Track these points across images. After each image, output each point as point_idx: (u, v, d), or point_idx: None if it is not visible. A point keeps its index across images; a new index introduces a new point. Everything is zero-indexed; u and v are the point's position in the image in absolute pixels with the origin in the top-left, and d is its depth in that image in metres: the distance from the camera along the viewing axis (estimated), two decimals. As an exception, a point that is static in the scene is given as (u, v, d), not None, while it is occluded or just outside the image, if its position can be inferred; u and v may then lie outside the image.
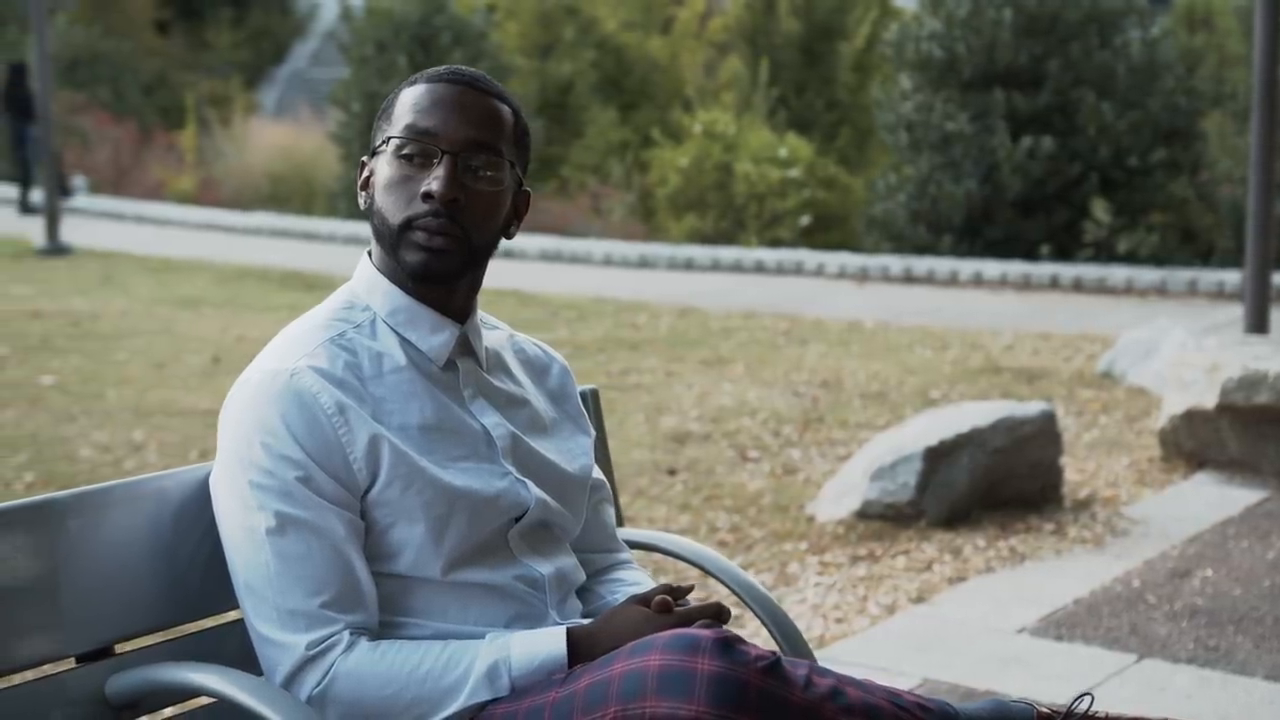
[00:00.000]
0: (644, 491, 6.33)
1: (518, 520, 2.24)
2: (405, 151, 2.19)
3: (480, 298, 2.32)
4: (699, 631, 1.93)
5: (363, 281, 2.30)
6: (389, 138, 2.22)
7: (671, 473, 6.64)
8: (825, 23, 22.28)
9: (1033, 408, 6.10)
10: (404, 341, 2.24)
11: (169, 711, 2.23)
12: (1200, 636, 4.62)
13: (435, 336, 2.25)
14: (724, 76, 21.46)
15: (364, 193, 2.28)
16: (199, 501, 2.21)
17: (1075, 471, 6.62)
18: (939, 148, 14.39)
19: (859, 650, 4.53)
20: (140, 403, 8.10)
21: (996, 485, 5.92)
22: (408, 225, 2.19)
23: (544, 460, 2.31)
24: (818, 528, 5.78)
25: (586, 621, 2.21)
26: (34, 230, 16.76)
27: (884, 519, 5.76)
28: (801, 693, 1.92)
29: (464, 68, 2.27)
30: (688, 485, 6.44)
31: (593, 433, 2.48)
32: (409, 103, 2.23)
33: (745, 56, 21.47)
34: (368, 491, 2.13)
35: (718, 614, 2.11)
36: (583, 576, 2.38)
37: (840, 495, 5.94)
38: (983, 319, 11.16)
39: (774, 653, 1.93)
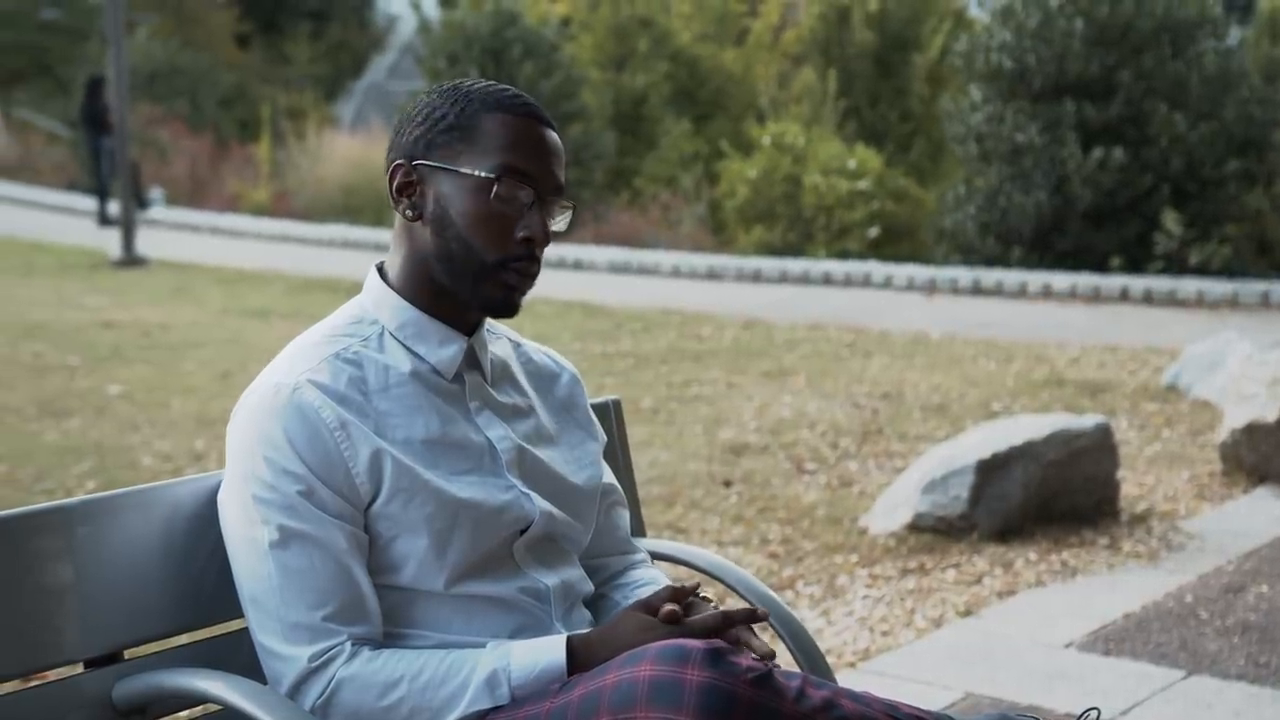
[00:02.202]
0: (698, 503, 6.33)
1: (523, 533, 2.24)
2: (501, 191, 2.19)
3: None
4: (690, 641, 1.93)
5: (371, 295, 2.30)
6: (490, 176, 2.18)
7: (727, 484, 6.63)
8: (899, 34, 22.22)
9: (1088, 421, 6.05)
10: (412, 355, 2.24)
11: (180, 717, 2.24)
12: (1252, 653, 4.57)
13: (444, 349, 2.25)
14: (797, 88, 21.44)
15: (406, 200, 2.23)
16: (212, 509, 2.22)
17: (1134, 485, 6.56)
18: (1009, 159, 14.31)
19: (902, 663, 4.51)
20: (204, 412, 8.19)
21: (1051, 499, 5.88)
22: (502, 265, 2.19)
23: (550, 472, 2.31)
24: (869, 540, 5.76)
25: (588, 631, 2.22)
26: (111, 242, 16.97)
27: (935, 532, 5.73)
28: (793, 704, 1.91)
29: (529, 97, 2.28)
30: (742, 497, 6.43)
31: (603, 439, 2.47)
32: (500, 136, 2.20)
33: (819, 68, 21.44)
34: (370, 505, 2.14)
35: (751, 617, 2.12)
36: (590, 588, 2.38)
37: (893, 508, 5.91)
38: (1050, 331, 11.09)
39: (766, 664, 1.93)
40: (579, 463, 2.38)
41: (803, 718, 1.91)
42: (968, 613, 4.98)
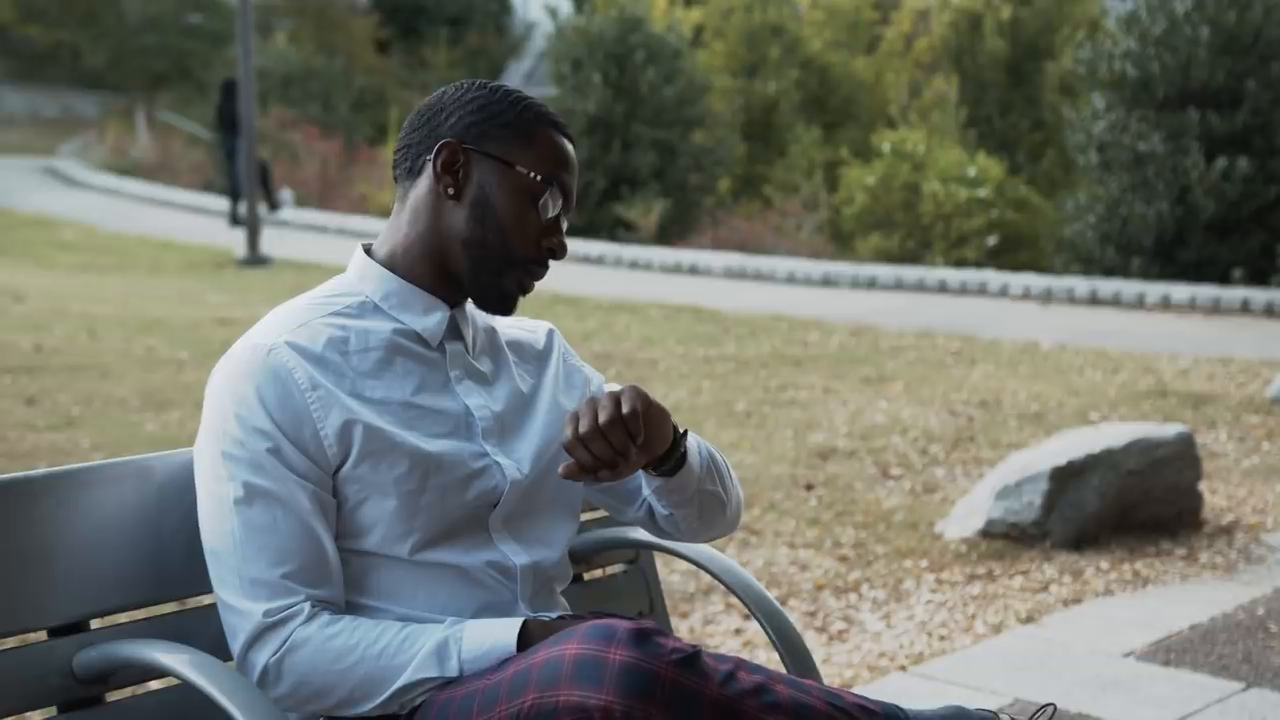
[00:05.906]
0: (776, 505, 6.30)
1: (495, 505, 2.25)
2: (547, 199, 2.26)
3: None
4: (618, 621, 1.92)
5: (355, 271, 2.33)
6: (542, 181, 2.25)
7: (808, 488, 6.59)
8: (1031, 42, 21.98)
9: (1169, 430, 5.94)
10: (395, 322, 2.26)
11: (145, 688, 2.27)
12: (1318, 668, 4.46)
13: (428, 317, 2.28)
14: (928, 96, 21.31)
15: (450, 177, 2.26)
16: (182, 483, 2.25)
17: (1224, 497, 6.43)
18: (1130, 168, 14.10)
19: (954, 668, 4.45)
20: (301, 407, 8.28)
21: (1130, 508, 5.78)
22: (525, 263, 2.27)
23: (530, 437, 2.32)
24: (941, 546, 5.70)
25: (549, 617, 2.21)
26: (239, 242, 17.24)
27: (1008, 538, 5.65)
28: (718, 687, 1.89)
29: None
30: (822, 500, 6.39)
31: (594, 376, 2.48)
32: (551, 150, 2.28)
33: (950, 76, 21.29)
34: (339, 469, 2.16)
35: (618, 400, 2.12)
36: (568, 573, 2.38)
37: (968, 514, 5.85)
38: (1163, 343, 10.90)
39: (695, 646, 1.91)
40: (562, 417, 2.38)
41: (728, 701, 1.89)
42: (1029, 619, 4.91)
